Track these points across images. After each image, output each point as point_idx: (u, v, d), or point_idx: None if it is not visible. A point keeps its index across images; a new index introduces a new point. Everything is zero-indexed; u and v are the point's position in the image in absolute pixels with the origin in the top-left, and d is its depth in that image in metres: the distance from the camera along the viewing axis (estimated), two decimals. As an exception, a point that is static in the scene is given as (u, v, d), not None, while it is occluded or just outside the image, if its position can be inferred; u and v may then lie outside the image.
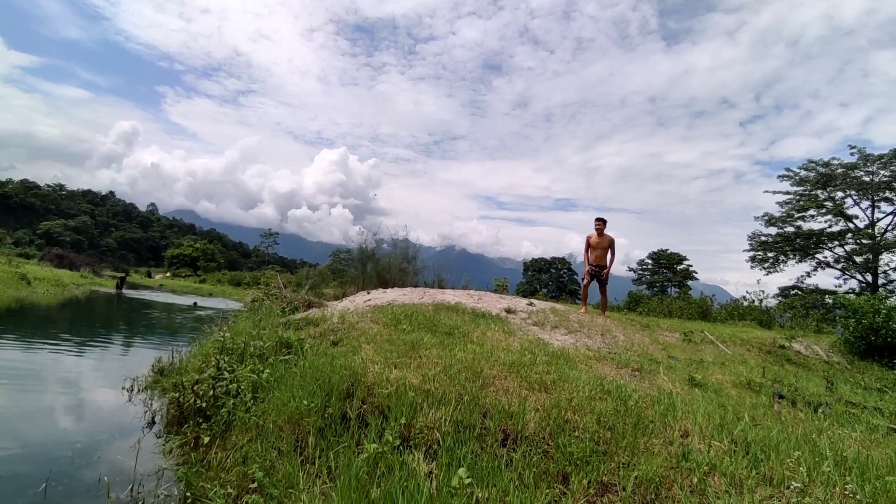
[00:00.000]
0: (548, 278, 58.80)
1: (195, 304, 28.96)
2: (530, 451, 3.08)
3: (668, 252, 51.77)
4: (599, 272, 9.63)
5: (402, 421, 3.35)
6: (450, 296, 10.29)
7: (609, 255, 9.66)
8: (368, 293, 12.40)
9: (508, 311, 8.86)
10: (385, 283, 16.56)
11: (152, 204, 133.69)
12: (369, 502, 2.69)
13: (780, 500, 2.57)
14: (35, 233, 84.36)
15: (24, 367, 7.96)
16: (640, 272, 52.75)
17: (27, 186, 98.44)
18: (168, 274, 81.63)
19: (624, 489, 2.71)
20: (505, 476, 2.78)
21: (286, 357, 5.29)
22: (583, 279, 9.95)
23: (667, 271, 51.04)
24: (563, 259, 59.73)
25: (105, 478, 3.97)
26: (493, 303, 9.66)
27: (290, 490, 3.18)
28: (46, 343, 10.37)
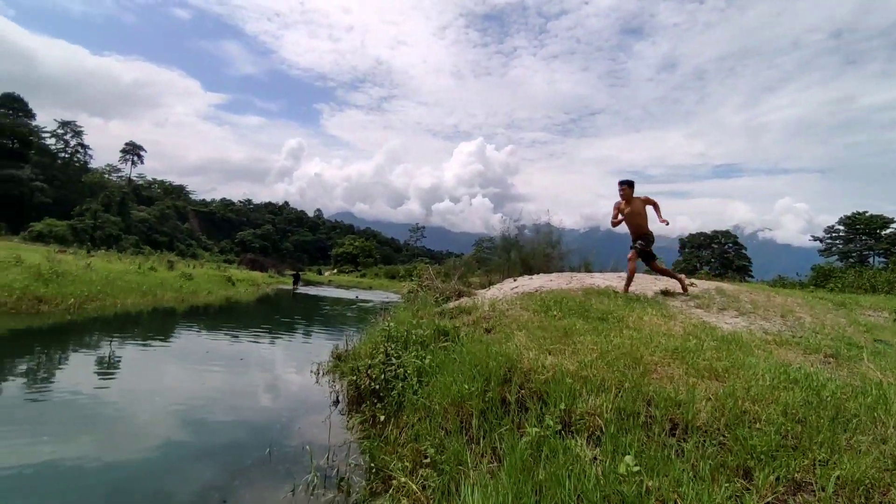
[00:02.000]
0: (709, 255, 53.16)
1: (357, 297, 32.06)
2: (703, 442, 2.89)
3: (867, 215, 43.18)
4: (646, 244, 7.79)
5: (562, 406, 3.39)
6: (599, 279, 9.94)
7: (648, 217, 7.84)
8: (514, 280, 12.53)
9: (665, 293, 8.27)
10: (530, 270, 16.57)
11: (318, 209, 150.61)
12: (535, 483, 2.79)
13: None
14: (233, 242, 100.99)
15: (233, 353, 9.66)
16: (829, 241, 44.88)
17: (225, 204, 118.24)
18: (335, 270, 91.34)
19: (823, 489, 2.42)
20: (676, 466, 2.66)
21: (444, 344, 5.65)
22: (628, 259, 7.94)
23: (866, 238, 42.65)
24: (726, 232, 53.45)
25: (307, 446, 4.69)
26: (648, 285, 9.09)
27: (460, 467, 3.43)
28: (249, 333, 12.47)
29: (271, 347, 10.84)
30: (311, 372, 7.88)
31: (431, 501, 3.32)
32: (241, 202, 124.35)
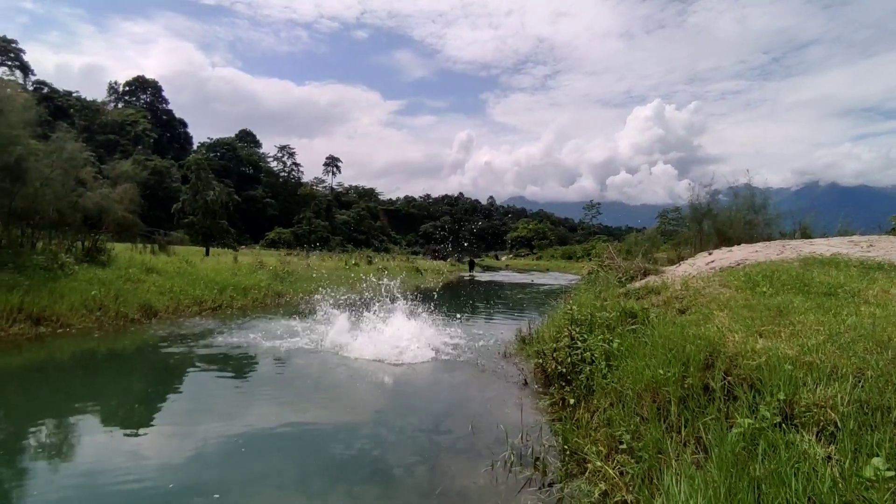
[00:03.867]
0: None
1: (532, 280, 32.21)
2: None
3: None
4: None
5: (781, 396, 2.99)
6: (821, 246, 8.34)
7: None
8: (710, 254, 11.24)
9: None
10: (728, 241, 14.61)
11: (490, 197, 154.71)
12: (752, 479, 2.53)
13: None
14: (417, 234, 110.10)
15: (431, 333, 10.53)
16: None
17: (408, 200, 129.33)
18: (511, 255, 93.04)
19: None
20: (950, 475, 2.15)
21: (633, 327, 5.40)
22: None
23: None
24: None
25: (501, 425, 4.96)
26: (894, 250, 7.33)
27: (659, 455, 3.28)
28: (441, 315, 13.51)
29: (460, 330, 11.60)
30: (500, 354, 8.24)
31: (630, 488, 3.25)
32: (421, 198, 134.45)
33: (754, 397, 3.20)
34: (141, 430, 4.99)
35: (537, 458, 4.17)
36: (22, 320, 8.89)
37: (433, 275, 33.36)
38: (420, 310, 10.04)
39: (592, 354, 5.27)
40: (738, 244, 12.16)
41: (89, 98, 75.99)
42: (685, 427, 3.44)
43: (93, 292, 10.60)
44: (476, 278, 36.35)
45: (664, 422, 3.62)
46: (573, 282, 22.13)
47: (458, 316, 14.64)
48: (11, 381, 6.69)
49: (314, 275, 19.71)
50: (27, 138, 11.71)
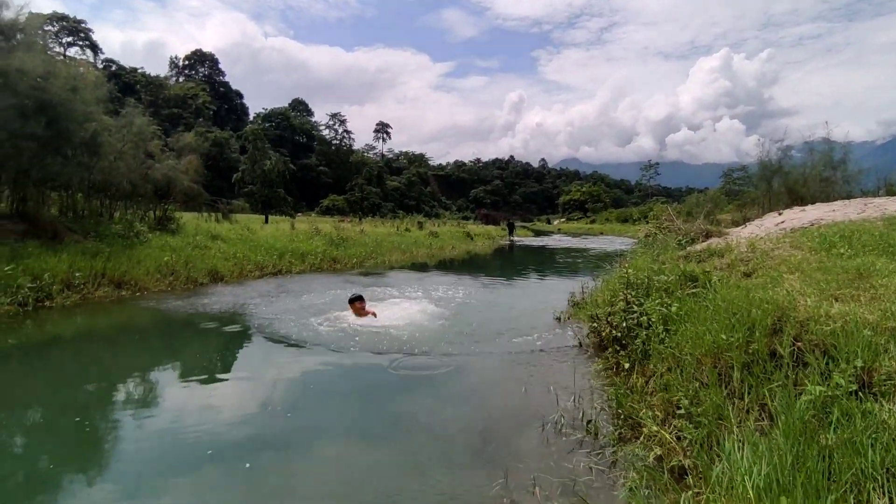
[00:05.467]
0: None
1: (585, 245, 31.52)
2: None
3: None
4: None
5: (858, 364, 2.79)
6: (913, 204, 7.60)
7: None
8: (779, 214, 10.54)
9: None
10: (800, 199, 13.61)
11: (542, 159, 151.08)
12: (822, 448, 2.40)
13: None
14: (468, 199, 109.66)
15: (484, 299, 10.61)
16: None
17: (458, 165, 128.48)
18: (563, 219, 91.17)
19: None
20: None
21: (693, 290, 5.18)
22: None
23: None
24: None
25: (552, 387, 4.97)
26: None
27: (720, 421, 3.18)
28: (492, 279, 13.55)
29: (510, 291, 11.61)
30: (554, 318, 8.18)
31: (687, 453, 3.18)
32: (471, 162, 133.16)
33: (827, 364, 3.02)
34: (216, 382, 5.36)
35: (589, 422, 4.15)
36: (105, 284, 9.68)
37: (484, 240, 33.30)
38: (470, 274, 10.07)
39: (649, 319, 5.11)
40: (813, 203, 11.30)
41: (153, 73, 79.56)
42: (748, 393, 3.31)
43: (165, 258, 11.35)
44: (517, 243, 35.85)
45: (725, 388, 3.49)
46: (628, 245, 21.47)
47: (509, 279, 14.63)
48: (100, 341, 7.35)
49: (367, 240, 20.16)
50: (100, 114, 12.43)
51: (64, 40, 66.78)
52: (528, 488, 3.19)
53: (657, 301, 5.18)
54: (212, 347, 6.91)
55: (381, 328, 7.39)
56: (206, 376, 5.56)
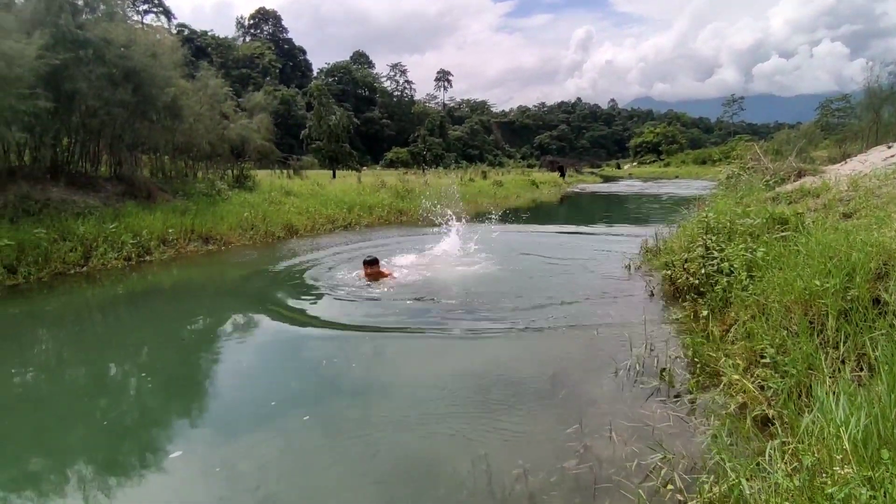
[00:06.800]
0: None
1: (658, 190, 29.85)
2: None
3: None
4: None
5: (982, 311, 2.50)
6: None
7: None
8: (889, 147, 9.40)
9: None
10: (917, 130, 11.97)
11: (612, 100, 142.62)
12: (931, 401, 2.21)
13: None
14: (532, 146, 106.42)
15: (549, 247, 10.43)
16: None
17: (521, 111, 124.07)
18: (634, 163, 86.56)
19: None
20: None
21: (783, 234, 4.80)
22: None
23: None
24: None
25: (626, 334, 4.88)
26: None
27: (810, 371, 3.00)
28: (558, 228, 13.28)
29: (579, 240, 11.33)
30: (624, 267, 7.94)
31: (773, 403, 3.05)
32: (535, 106, 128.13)
33: (943, 312, 2.73)
34: (302, 322, 5.74)
35: (663, 370, 4.07)
36: (195, 239, 10.49)
37: (550, 187, 32.46)
38: (536, 222, 9.91)
39: (731, 265, 4.83)
40: (932, 134, 9.93)
41: (221, 35, 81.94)
42: (844, 342, 3.08)
43: (245, 214, 12.06)
44: (569, 188, 34.57)
45: (817, 336, 3.27)
46: (706, 189, 20.10)
47: (576, 227, 14.25)
48: (195, 289, 8.04)
49: (431, 192, 20.27)
50: (178, 79, 13.05)
51: (140, 8, 69.85)
52: (604, 434, 3.20)
53: (741, 246, 4.86)
54: (296, 294, 7.30)
55: (453, 279, 7.51)
56: (290, 316, 5.94)
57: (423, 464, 3.05)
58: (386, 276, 7.35)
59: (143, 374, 4.60)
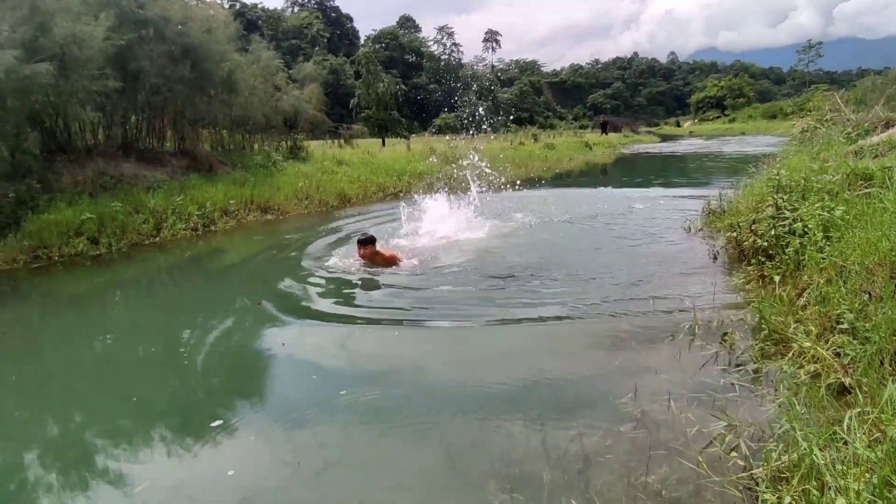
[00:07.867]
0: None
1: (721, 148, 28.11)
2: None
3: None
4: None
5: None
6: None
7: None
8: None
9: None
10: None
11: (671, 53, 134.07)
12: None
13: None
14: (585, 106, 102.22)
15: (603, 211, 10.10)
16: None
17: (573, 69, 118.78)
18: (696, 120, 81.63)
19: None
20: None
21: (867, 191, 4.41)
22: None
23: None
24: None
25: (686, 298, 4.69)
26: None
27: (894, 337, 2.79)
28: (613, 191, 12.84)
29: (634, 203, 10.91)
30: (684, 229, 7.60)
31: (850, 371, 2.87)
32: (588, 64, 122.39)
33: None
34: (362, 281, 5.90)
35: (725, 334, 3.91)
36: (254, 210, 10.94)
37: (604, 149, 31.26)
38: (589, 186, 9.60)
39: (805, 225, 4.50)
40: None
41: (270, 7, 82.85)
42: (935, 307, 2.83)
43: (300, 184, 12.42)
44: (624, 149, 33.02)
45: (904, 300, 3.02)
46: (776, 145, 18.66)
47: (631, 189, 13.72)
48: (255, 256, 8.39)
49: (475, 159, 20.00)
50: (232, 53, 13.37)
51: (192, -16, 71.62)
52: (662, 401, 3.14)
53: (817, 205, 4.52)
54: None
55: (493, 249, 7.33)
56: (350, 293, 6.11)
57: (476, 424, 3.10)
58: (388, 258, 6.25)
59: (228, 337, 4.71)
